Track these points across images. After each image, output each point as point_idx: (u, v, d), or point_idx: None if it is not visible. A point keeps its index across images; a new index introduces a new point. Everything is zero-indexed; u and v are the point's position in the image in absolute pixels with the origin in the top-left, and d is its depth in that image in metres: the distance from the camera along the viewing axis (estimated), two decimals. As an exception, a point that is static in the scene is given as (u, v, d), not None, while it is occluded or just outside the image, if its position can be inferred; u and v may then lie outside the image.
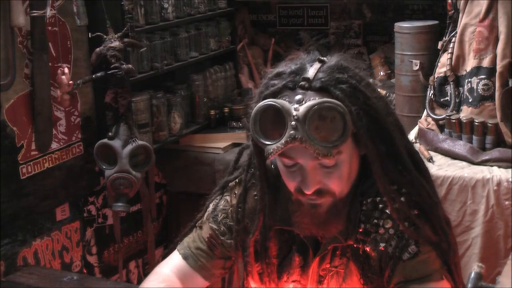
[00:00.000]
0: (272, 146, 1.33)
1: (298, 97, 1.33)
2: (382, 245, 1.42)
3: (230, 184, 1.63)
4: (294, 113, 1.31)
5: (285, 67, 1.42)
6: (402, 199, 1.42)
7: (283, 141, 1.31)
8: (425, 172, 1.48)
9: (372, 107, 1.38)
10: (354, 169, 1.43)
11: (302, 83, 1.35)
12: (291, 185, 1.42)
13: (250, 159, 1.54)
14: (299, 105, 1.32)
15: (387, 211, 1.43)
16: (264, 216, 1.51)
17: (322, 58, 1.41)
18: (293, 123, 1.30)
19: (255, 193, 1.54)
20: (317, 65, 1.39)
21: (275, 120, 1.33)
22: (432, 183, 1.50)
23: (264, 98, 1.37)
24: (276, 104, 1.33)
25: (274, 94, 1.37)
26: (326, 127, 1.31)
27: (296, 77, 1.37)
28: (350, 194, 1.44)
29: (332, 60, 1.41)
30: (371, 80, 1.47)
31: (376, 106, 1.39)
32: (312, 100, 1.32)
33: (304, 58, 1.43)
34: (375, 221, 1.43)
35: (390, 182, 1.41)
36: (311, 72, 1.37)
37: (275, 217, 1.52)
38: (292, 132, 1.30)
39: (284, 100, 1.34)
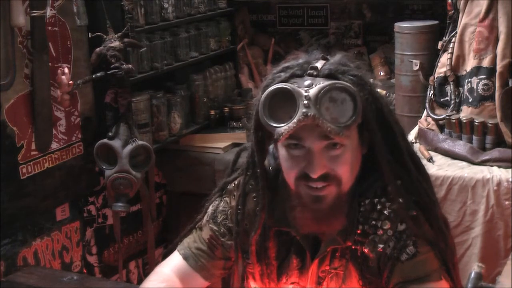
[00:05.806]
0: (284, 126, 1.33)
1: (307, 82, 1.35)
2: (380, 246, 1.42)
3: (229, 186, 1.63)
4: (305, 94, 1.32)
5: (290, 62, 1.43)
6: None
7: (295, 120, 1.32)
8: (423, 172, 1.49)
9: (377, 98, 1.41)
10: (357, 164, 1.43)
11: (311, 71, 1.37)
12: (293, 173, 1.40)
13: (249, 161, 1.54)
14: (309, 88, 1.33)
15: (385, 212, 1.43)
16: (265, 215, 1.51)
17: (325, 56, 1.43)
18: (305, 102, 1.31)
19: (254, 195, 1.54)
20: (322, 61, 1.41)
21: (283, 105, 1.34)
22: (430, 183, 1.51)
23: None
24: (287, 87, 1.34)
25: (282, 83, 1.38)
26: (336, 109, 1.32)
27: (304, 65, 1.39)
28: (349, 194, 1.44)
29: (335, 57, 1.43)
30: (371, 80, 1.49)
31: (380, 99, 1.42)
32: (323, 83, 1.33)
33: (307, 56, 1.45)
34: (373, 222, 1.43)
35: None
36: (317, 64, 1.39)
37: (273, 218, 1.51)
38: (304, 110, 1.31)
39: (294, 85, 1.35)
